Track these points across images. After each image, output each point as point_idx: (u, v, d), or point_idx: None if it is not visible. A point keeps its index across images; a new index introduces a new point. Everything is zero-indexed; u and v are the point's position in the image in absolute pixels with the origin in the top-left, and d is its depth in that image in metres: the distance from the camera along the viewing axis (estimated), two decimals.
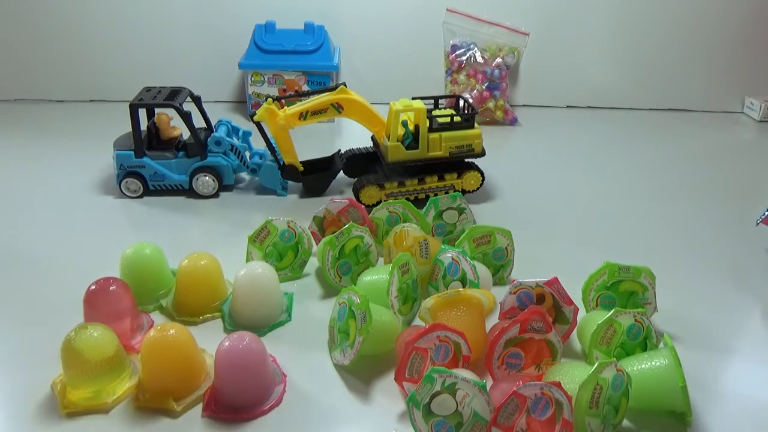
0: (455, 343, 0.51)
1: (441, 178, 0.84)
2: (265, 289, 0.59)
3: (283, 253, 0.67)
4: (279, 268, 0.65)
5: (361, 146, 0.90)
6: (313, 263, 0.70)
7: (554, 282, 0.56)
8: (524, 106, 1.28)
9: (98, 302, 0.55)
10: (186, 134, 0.85)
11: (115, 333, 0.51)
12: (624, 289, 0.59)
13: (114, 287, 0.55)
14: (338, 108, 0.82)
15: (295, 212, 0.82)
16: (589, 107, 1.28)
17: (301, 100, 0.83)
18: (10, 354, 0.55)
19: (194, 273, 0.60)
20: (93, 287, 0.55)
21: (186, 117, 0.81)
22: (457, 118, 0.82)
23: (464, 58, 1.18)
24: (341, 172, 0.89)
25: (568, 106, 1.28)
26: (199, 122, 0.84)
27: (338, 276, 0.64)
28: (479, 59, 1.17)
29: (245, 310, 0.59)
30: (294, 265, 0.68)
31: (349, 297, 0.54)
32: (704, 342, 0.60)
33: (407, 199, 0.82)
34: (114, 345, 0.50)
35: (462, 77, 1.19)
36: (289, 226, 0.66)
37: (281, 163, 0.84)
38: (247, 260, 0.66)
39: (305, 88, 1.11)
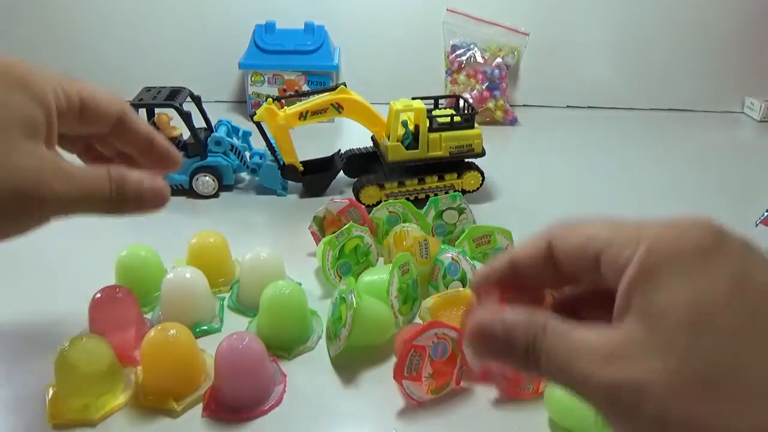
0: (453, 339, 0.51)
1: (441, 178, 0.84)
2: (265, 274, 0.60)
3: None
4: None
5: (361, 146, 0.90)
6: (313, 263, 0.70)
7: None
8: (524, 106, 1.28)
9: (104, 311, 0.54)
10: (186, 134, 0.85)
11: (120, 342, 0.50)
12: None
13: (120, 295, 0.54)
14: (338, 108, 0.82)
15: (295, 212, 0.82)
16: (589, 107, 1.28)
17: (301, 100, 0.83)
18: (10, 359, 0.55)
19: (203, 249, 0.63)
20: (99, 295, 0.54)
21: (186, 117, 0.81)
22: (457, 118, 0.82)
23: (464, 58, 1.18)
24: (341, 172, 0.89)
25: (568, 106, 1.28)
26: (199, 122, 0.84)
27: (338, 276, 0.64)
28: (479, 59, 1.17)
29: (246, 289, 0.61)
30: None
31: (338, 289, 0.55)
32: None
33: (407, 199, 0.82)
34: (108, 358, 0.49)
35: (462, 77, 1.19)
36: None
37: (281, 163, 0.84)
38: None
39: (305, 88, 1.11)
